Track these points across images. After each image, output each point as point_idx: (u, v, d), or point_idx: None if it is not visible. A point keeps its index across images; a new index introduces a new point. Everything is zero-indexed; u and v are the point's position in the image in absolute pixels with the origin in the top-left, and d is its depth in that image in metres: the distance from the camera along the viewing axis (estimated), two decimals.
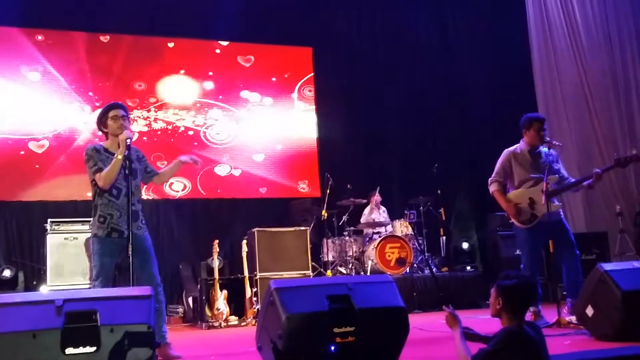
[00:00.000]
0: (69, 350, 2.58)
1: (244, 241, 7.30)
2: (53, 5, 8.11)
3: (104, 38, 8.43)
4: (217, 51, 9.01)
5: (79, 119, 8.14)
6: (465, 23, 10.27)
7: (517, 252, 6.72)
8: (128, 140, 4.12)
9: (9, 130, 7.81)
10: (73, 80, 8.19)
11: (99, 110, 4.55)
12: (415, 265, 8.01)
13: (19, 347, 2.49)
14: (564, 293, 5.16)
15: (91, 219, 4.27)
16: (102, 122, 4.38)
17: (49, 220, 7.10)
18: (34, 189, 7.81)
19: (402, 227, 8.25)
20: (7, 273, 7.09)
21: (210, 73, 8.90)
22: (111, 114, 4.31)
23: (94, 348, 2.60)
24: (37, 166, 7.89)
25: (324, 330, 2.95)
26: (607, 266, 4.23)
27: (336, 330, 2.96)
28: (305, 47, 9.46)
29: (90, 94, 8.25)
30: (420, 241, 8.23)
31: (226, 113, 8.89)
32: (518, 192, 5.20)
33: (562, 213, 5.25)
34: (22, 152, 7.85)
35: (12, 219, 7.69)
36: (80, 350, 2.58)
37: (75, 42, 8.28)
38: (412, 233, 8.13)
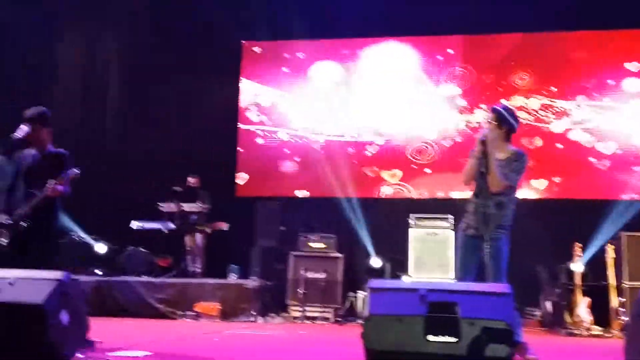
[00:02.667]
0: (431, 338, 2.72)
1: (610, 246, 6.74)
2: None
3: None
4: None
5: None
6: None
7: None
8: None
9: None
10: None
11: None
12: None
13: (388, 329, 2.72)
14: None
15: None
16: None
17: (411, 215, 7.63)
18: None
19: None
20: (376, 263, 7.83)
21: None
22: None
23: (455, 339, 2.70)
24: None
25: None
26: None
27: None
28: None
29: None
30: None
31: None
32: None
33: None
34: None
35: (379, 215, 8.44)
36: (442, 339, 2.71)
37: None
38: None
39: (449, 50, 8.62)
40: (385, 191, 8.58)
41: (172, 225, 8.01)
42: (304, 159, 8.77)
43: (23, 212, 4.21)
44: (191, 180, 8.09)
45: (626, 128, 8.13)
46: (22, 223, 4.19)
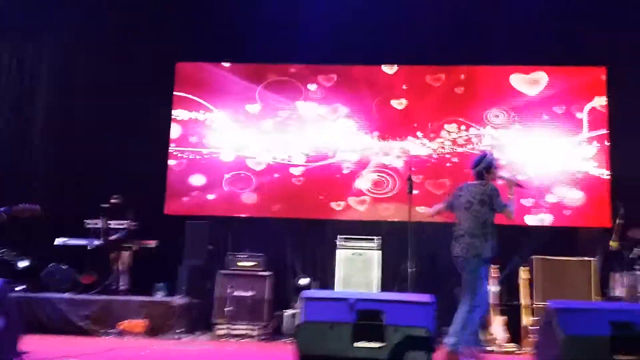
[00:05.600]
0: (358, 344, 2.92)
1: (523, 268, 7.18)
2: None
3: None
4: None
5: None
6: None
7: None
8: None
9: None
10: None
11: None
12: None
13: (320, 335, 2.89)
14: None
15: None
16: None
17: (339, 236, 7.88)
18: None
19: None
20: (303, 281, 7.99)
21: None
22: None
23: (380, 344, 2.90)
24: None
25: (605, 356, 2.84)
26: None
27: (619, 357, 2.84)
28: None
29: None
30: None
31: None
32: None
33: None
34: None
35: (306, 235, 8.63)
36: (368, 344, 2.91)
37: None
38: None
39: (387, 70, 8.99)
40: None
41: (97, 242, 7.91)
42: (234, 179, 8.88)
43: None
44: (115, 198, 8.00)
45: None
46: None
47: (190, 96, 9.10)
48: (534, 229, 8.47)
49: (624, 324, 2.97)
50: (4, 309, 3.05)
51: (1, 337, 2.99)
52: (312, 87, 9.02)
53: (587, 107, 8.73)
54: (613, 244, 7.39)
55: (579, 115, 8.71)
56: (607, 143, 8.61)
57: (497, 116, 8.83)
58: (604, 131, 8.62)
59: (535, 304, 7.06)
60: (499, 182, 5.63)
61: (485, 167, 5.46)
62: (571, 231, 8.40)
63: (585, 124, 8.74)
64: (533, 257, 7.34)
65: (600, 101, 8.70)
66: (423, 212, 7.84)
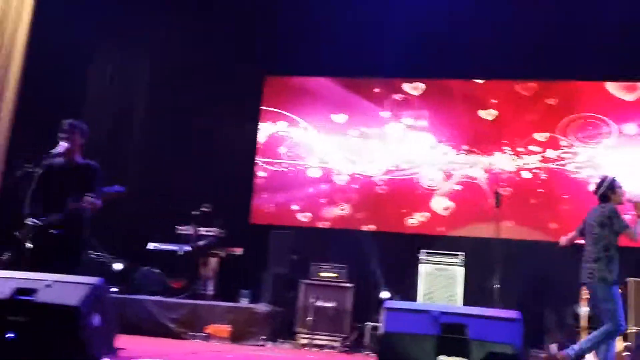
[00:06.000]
0: (442, 357, 2.89)
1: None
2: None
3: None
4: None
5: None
6: None
7: None
8: None
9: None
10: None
11: None
12: None
13: (402, 346, 2.89)
14: None
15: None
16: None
17: (421, 250, 7.80)
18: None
19: None
20: (385, 295, 7.96)
21: None
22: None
23: (464, 359, 2.86)
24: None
25: None
26: None
27: None
28: None
29: None
30: None
31: None
32: None
33: None
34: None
35: (390, 248, 8.60)
36: (452, 358, 2.87)
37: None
38: None
39: None
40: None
41: (187, 248, 8.19)
42: (319, 190, 9.00)
43: (54, 220, 4.35)
44: (205, 207, 8.25)
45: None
46: (52, 230, 4.32)
47: (277, 110, 9.32)
48: (631, 250, 8.06)
49: None
50: (102, 307, 3.23)
51: (98, 334, 3.16)
52: (397, 98, 9.03)
53: None
54: None
55: None
56: None
57: (591, 132, 8.52)
58: None
59: (629, 328, 6.71)
60: (627, 204, 5.54)
61: (607, 188, 5.43)
62: None
63: None
64: (628, 279, 6.98)
65: None
66: (509, 226, 7.66)
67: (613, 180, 5.49)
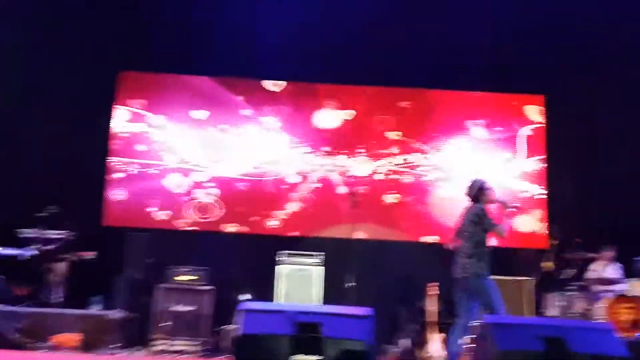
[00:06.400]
0: (297, 357, 2.91)
1: None
2: None
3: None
4: None
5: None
6: None
7: None
8: None
9: None
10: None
11: None
12: None
13: (258, 347, 2.87)
14: None
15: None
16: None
17: (280, 251, 7.86)
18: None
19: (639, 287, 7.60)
20: (245, 297, 7.92)
21: None
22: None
23: (318, 357, 2.90)
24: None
25: None
26: None
27: None
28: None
29: None
30: None
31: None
32: None
33: None
34: None
35: (250, 250, 8.58)
36: (306, 357, 2.90)
37: None
38: None
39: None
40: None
41: (30, 252, 7.65)
42: (176, 191, 8.78)
43: None
44: (52, 208, 7.76)
45: None
46: None
47: (133, 108, 8.97)
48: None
49: (556, 339, 3.06)
50: None
51: None
52: (258, 98, 9.05)
53: (526, 131, 9.06)
54: (546, 264, 7.64)
55: (517, 139, 9.02)
56: (544, 165, 8.93)
57: (440, 139, 9.05)
58: (542, 156, 8.98)
59: (472, 321, 7.17)
60: (493, 205, 5.86)
61: (478, 190, 5.77)
62: (509, 252, 8.61)
63: (524, 148, 9.05)
64: None
65: (538, 125, 9.05)
66: (364, 227, 7.95)
67: (483, 183, 5.85)
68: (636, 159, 8.69)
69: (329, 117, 9.05)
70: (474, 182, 5.89)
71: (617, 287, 7.68)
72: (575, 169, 8.85)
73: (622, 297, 7.28)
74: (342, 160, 8.89)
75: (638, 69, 8.74)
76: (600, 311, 7.26)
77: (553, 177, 8.99)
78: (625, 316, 7.18)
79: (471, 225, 5.64)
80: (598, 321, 7.07)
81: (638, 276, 7.67)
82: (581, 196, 8.76)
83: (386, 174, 8.93)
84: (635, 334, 7.06)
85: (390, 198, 8.86)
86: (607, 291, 7.65)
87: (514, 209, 5.98)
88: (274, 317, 2.97)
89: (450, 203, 8.88)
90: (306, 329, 2.92)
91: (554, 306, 7.67)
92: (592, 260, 8.02)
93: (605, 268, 8.01)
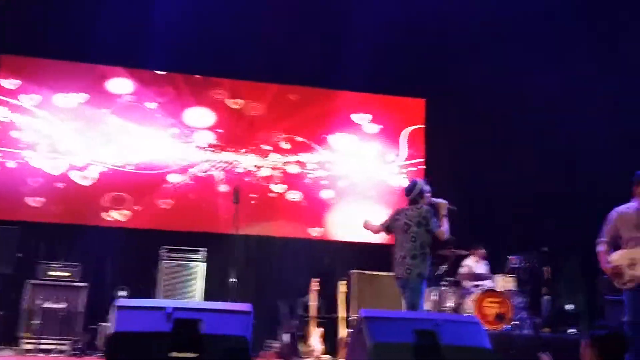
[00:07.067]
0: (174, 354, 2.85)
1: (342, 282, 7.47)
2: None
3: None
4: None
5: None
6: None
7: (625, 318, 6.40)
8: None
9: None
10: None
11: None
12: (515, 322, 7.79)
13: (133, 346, 2.78)
14: None
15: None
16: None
17: (162, 247, 7.67)
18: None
19: (504, 283, 8.10)
20: (122, 293, 7.65)
21: None
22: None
23: (196, 354, 2.86)
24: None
25: None
26: None
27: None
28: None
29: None
30: (522, 298, 8.00)
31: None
32: (621, 253, 5.05)
33: None
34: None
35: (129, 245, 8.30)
36: (184, 354, 2.85)
37: None
38: (515, 289, 7.95)
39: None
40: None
41: None
42: (49, 184, 8.30)
43: None
44: None
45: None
46: None
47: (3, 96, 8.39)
48: (356, 246, 8.89)
49: (427, 332, 3.20)
50: None
51: None
52: (140, 88, 8.75)
53: (407, 133, 9.42)
54: None
55: (399, 140, 9.37)
56: (422, 167, 9.34)
57: (327, 136, 9.21)
58: (421, 160, 9.41)
59: (351, 316, 7.37)
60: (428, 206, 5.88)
61: (418, 193, 5.80)
62: (386, 248, 8.87)
63: (404, 149, 9.41)
64: (351, 271, 7.67)
65: (417, 127, 9.46)
66: (247, 222, 7.95)
67: (423, 185, 5.92)
68: (509, 162, 9.26)
69: (215, 111, 8.93)
70: (415, 185, 5.94)
71: (486, 283, 8.14)
72: (452, 169, 9.31)
73: (489, 292, 7.74)
74: (227, 155, 8.80)
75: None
76: (469, 305, 7.67)
77: (432, 177, 9.37)
78: (491, 310, 7.65)
79: (416, 226, 5.67)
80: (467, 315, 7.46)
81: (505, 273, 8.16)
82: (457, 196, 9.17)
83: (272, 169, 8.95)
84: (502, 327, 7.54)
85: (274, 194, 8.88)
86: (476, 286, 8.11)
87: (454, 210, 6.09)
88: (149, 314, 2.88)
89: (335, 200, 9.08)
90: (184, 326, 2.87)
91: (428, 300, 8.01)
92: (465, 257, 8.46)
93: (476, 264, 8.47)
